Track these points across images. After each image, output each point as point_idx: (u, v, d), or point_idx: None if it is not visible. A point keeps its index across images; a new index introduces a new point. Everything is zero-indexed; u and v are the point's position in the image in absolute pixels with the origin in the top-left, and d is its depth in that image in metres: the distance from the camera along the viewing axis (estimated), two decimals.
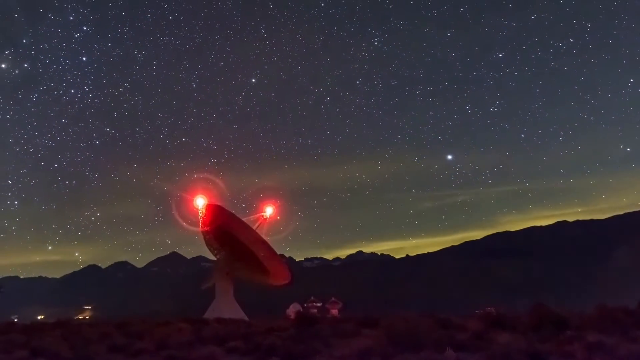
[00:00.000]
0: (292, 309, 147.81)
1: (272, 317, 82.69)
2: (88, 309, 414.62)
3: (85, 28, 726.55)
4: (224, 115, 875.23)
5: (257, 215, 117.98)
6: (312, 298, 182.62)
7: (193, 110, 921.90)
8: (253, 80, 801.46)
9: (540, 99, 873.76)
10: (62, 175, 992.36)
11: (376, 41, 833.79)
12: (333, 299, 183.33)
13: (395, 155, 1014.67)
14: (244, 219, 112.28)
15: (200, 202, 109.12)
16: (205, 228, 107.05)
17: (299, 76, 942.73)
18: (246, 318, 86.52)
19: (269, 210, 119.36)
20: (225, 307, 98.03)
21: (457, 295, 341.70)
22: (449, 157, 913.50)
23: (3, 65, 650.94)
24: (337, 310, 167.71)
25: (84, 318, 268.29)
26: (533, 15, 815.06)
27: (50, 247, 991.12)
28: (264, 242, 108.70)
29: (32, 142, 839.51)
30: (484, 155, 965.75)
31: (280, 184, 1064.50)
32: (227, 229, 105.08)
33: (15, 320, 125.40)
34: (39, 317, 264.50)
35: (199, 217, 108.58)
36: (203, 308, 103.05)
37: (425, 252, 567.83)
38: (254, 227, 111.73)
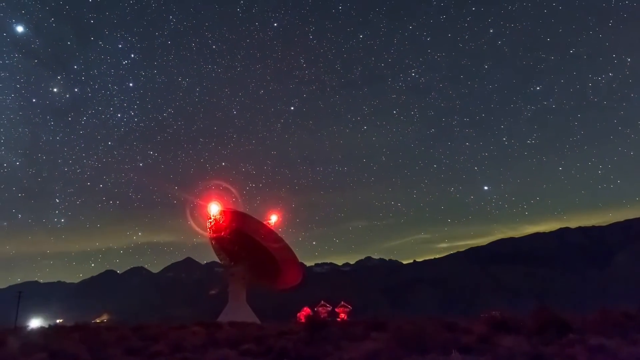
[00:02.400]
0: (303, 313, 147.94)
1: (283, 320, 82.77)
2: (105, 313, 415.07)
3: (132, 55, 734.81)
4: (262, 141, 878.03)
5: (264, 222, 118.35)
6: (322, 302, 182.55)
7: (233, 135, 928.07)
8: (292, 108, 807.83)
9: (579, 132, 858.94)
10: (106, 195, 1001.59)
11: (413, 72, 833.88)
12: (342, 302, 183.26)
13: (431, 185, 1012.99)
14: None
15: (214, 208, 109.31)
16: (221, 234, 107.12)
17: (337, 105, 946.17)
18: (258, 321, 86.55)
19: (273, 218, 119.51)
20: (238, 311, 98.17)
21: (462, 299, 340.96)
22: (486, 187, 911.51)
23: (55, 90, 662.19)
24: (346, 314, 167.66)
25: (102, 322, 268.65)
26: (572, 49, 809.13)
27: (93, 265, 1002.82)
28: (279, 238, 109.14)
29: (80, 163, 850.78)
30: (520, 187, 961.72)
31: (316, 210, 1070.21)
32: (245, 231, 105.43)
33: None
34: (57, 321, 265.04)
35: (209, 223, 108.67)
36: (217, 312, 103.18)
37: (432, 257, 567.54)
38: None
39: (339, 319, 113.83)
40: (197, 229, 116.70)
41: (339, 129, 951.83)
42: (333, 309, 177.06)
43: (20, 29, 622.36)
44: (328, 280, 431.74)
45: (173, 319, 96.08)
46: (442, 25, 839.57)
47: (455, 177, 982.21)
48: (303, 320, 59.86)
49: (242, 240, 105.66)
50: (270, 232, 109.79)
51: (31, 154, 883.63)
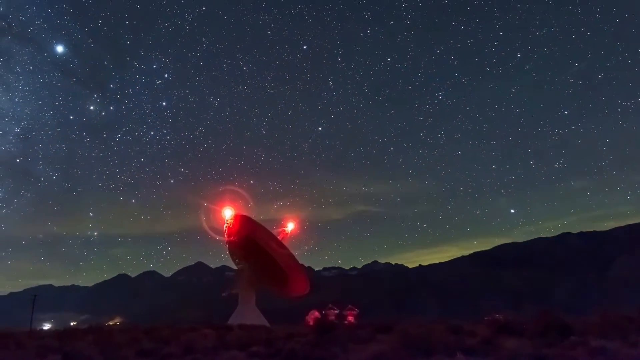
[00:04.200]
0: (311, 316, 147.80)
1: (292, 323, 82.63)
2: (118, 315, 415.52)
3: (166, 75, 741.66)
4: (290, 160, 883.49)
5: (279, 229, 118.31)
6: (330, 305, 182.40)
7: (262, 154, 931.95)
8: (320, 128, 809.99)
9: (607, 157, 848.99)
10: (138, 210, 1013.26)
11: (440, 95, 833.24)
12: (350, 306, 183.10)
13: (457, 207, 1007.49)
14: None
15: (227, 213, 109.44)
16: (232, 238, 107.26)
17: (364, 126, 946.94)
18: (268, 324, 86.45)
19: (290, 226, 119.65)
20: (248, 314, 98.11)
21: (466, 303, 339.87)
22: (512, 211, 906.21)
23: (91, 107, 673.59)
24: (353, 317, 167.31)
25: (114, 324, 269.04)
26: (600, 75, 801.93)
27: (105, 267, 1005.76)
28: (288, 252, 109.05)
29: (113, 179, 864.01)
30: (547, 210, 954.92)
31: (341, 229, 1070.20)
32: (253, 237, 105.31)
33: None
34: (71, 324, 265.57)
35: (225, 227, 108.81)
36: (227, 315, 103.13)
37: (437, 262, 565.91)
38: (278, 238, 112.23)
39: (346, 322, 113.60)
40: (212, 233, 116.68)
41: (366, 150, 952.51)
42: (340, 312, 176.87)
43: (60, 49, 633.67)
44: (336, 284, 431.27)
45: (184, 322, 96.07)
46: (470, 49, 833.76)
47: (481, 200, 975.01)
48: (311, 323, 59.75)
49: (252, 247, 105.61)
50: (280, 243, 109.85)
51: (67, 169, 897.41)
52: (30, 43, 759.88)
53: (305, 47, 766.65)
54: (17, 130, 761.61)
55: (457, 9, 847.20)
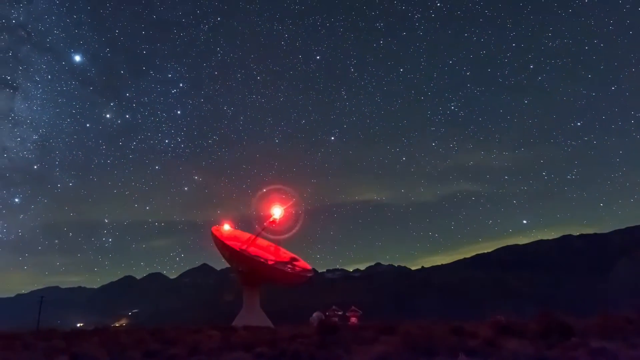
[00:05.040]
0: (315, 317, 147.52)
1: (296, 325, 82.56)
2: (124, 317, 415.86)
3: (181, 85, 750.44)
4: (303, 169, 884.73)
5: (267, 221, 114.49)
6: (334, 307, 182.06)
7: (274, 163, 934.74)
8: (332, 138, 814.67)
9: (621, 168, 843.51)
10: (152, 217, 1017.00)
11: (452, 105, 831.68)
12: (353, 307, 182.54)
13: (469, 217, 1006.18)
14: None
15: (226, 228, 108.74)
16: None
17: (376, 136, 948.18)
18: (272, 326, 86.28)
19: (277, 212, 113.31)
20: (252, 315, 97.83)
21: (468, 304, 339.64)
22: (524, 221, 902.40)
23: (108, 116, 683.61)
24: (356, 318, 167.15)
25: (121, 325, 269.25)
26: (613, 86, 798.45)
27: (109, 269, 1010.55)
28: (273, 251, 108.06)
29: (128, 186, 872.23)
30: (560, 221, 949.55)
31: (354, 238, 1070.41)
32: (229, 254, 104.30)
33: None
34: (78, 325, 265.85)
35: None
36: (231, 316, 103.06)
37: (440, 264, 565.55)
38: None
39: (349, 323, 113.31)
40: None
41: (378, 160, 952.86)
42: (344, 314, 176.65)
43: (77, 58, 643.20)
44: (339, 286, 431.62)
45: (189, 323, 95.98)
46: (482, 60, 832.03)
47: (494, 210, 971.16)
48: (315, 325, 59.67)
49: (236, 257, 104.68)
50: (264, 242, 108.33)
51: (83, 175, 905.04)
52: (49, 52, 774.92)
53: (318, 57, 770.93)
54: (35, 137, 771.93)
55: (470, 20, 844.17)
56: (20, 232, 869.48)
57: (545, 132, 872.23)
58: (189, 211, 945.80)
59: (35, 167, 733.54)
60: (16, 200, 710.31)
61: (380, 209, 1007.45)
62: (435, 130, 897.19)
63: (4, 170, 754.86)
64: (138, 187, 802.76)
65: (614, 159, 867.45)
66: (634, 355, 19.18)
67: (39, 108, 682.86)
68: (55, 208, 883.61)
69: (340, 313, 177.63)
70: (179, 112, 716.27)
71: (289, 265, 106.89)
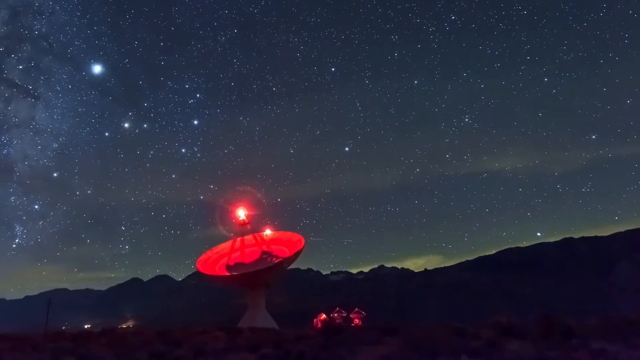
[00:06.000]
0: (319, 319, 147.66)
1: (300, 326, 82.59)
2: (131, 318, 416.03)
3: (198, 95, 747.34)
4: (317, 179, 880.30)
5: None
6: (338, 308, 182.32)
7: (289, 173, 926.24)
8: (346, 149, 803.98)
9: (636, 182, 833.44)
10: (168, 225, 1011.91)
11: (467, 118, 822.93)
12: (356, 309, 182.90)
13: (483, 229, 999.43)
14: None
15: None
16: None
17: (390, 147, 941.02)
18: (277, 327, 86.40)
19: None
20: (258, 317, 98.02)
21: (471, 306, 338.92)
22: (539, 234, 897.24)
23: (126, 125, 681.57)
24: (360, 320, 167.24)
25: (127, 327, 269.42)
26: (629, 99, 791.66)
27: (121, 269, 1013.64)
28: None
29: (145, 194, 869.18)
30: (573, 235, 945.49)
31: (367, 248, 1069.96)
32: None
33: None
34: (85, 326, 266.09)
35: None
36: (237, 318, 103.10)
37: (442, 266, 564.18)
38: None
39: (353, 325, 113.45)
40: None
41: (392, 171, 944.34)
42: (348, 315, 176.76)
43: (97, 68, 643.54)
44: (343, 288, 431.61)
45: (195, 325, 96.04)
46: (497, 72, 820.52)
47: (507, 223, 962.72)
48: (319, 326, 59.72)
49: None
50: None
51: (101, 183, 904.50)
52: (70, 63, 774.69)
53: (333, 69, 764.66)
54: (55, 145, 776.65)
55: (484, 33, 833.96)
56: (39, 238, 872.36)
57: (559, 144, 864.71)
58: (204, 219, 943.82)
59: (55, 174, 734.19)
60: (36, 207, 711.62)
61: (393, 219, 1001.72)
62: (449, 142, 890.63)
63: (24, 177, 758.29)
64: (155, 195, 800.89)
65: (629, 173, 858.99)
66: (634, 355, 19.17)
67: (59, 117, 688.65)
68: (73, 215, 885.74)
69: (344, 314, 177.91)
70: (195, 122, 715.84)
71: (274, 255, 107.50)
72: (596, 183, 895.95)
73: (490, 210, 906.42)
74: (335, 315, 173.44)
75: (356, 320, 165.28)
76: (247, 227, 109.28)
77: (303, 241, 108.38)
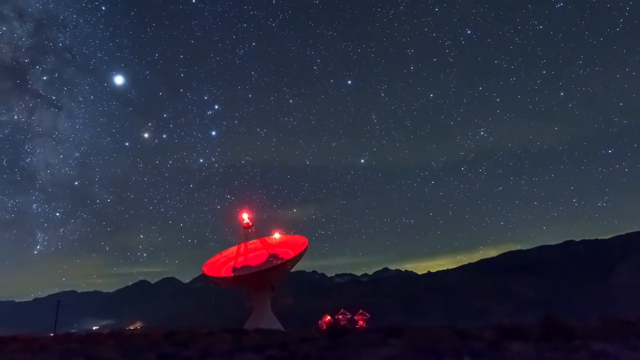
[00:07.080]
0: (324, 320, 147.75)
1: (305, 328, 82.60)
2: (139, 320, 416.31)
3: (216, 107, 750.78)
4: (333, 191, 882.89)
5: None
6: (342, 310, 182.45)
7: (305, 184, 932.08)
8: (362, 160, 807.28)
9: None
10: (185, 234, 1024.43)
11: (482, 131, 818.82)
12: (361, 311, 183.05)
13: (498, 241, 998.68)
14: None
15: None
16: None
17: (405, 159, 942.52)
18: (282, 328, 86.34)
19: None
20: (263, 318, 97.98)
21: (473, 308, 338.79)
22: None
23: (146, 135, 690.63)
24: (364, 322, 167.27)
25: (135, 329, 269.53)
26: None
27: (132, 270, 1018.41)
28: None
29: (163, 203, 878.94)
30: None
31: (382, 259, 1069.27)
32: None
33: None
34: (94, 328, 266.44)
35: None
36: (243, 320, 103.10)
37: (445, 269, 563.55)
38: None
39: (357, 327, 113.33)
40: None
41: (407, 183, 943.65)
42: (352, 317, 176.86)
43: (119, 80, 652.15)
44: (347, 290, 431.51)
45: (202, 326, 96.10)
46: (513, 86, 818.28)
47: (522, 235, 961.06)
48: (324, 328, 59.73)
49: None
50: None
51: (121, 192, 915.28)
52: (92, 74, 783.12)
53: (349, 82, 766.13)
54: (76, 154, 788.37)
55: (500, 48, 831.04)
56: (60, 245, 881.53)
57: (575, 158, 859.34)
58: (220, 229, 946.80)
59: (76, 183, 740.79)
60: (57, 214, 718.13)
61: (408, 230, 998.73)
62: (464, 155, 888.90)
63: (46, 185, 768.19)
64: (172, 204, 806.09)
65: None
66: (635, 357, 19.21)
67: (81, 127, 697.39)
68: (93, 223, 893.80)
69: (348, 316, 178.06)
70: (213, 132, 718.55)
71: (276, 256, 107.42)
72: (612, 197, 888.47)
73: (505, 224, 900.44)
74: (340, 317, 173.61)
75: (360, 322, 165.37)
76: (251, 231, 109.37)
77: (307, 242, 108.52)
